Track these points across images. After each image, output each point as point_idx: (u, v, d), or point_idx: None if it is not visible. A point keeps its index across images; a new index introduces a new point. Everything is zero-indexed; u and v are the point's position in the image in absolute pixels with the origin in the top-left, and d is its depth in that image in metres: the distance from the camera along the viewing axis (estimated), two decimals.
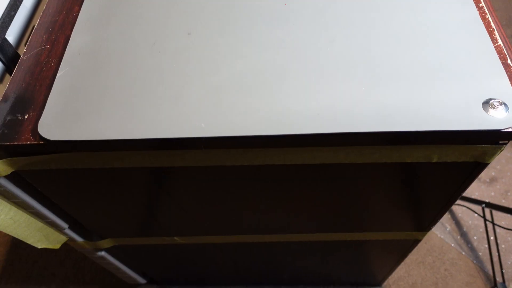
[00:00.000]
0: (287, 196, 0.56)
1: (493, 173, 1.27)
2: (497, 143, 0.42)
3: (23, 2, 0.56)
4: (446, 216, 1.21)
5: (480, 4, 0.49)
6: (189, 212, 0.62)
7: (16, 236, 0.57)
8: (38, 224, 0.61)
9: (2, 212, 0.53)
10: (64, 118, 0.43)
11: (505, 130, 0.40)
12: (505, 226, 1.15)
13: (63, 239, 0.68)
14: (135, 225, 0.68)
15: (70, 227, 0.66)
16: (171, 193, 0.56)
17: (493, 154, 0.44)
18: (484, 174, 1.28)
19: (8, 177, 0.49)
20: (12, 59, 0.53)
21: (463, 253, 1.15)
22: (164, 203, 0.59)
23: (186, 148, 0.44)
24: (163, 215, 0.64)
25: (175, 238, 0.73)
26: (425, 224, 0.66)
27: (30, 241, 0.61)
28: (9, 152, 0.45)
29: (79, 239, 0.70)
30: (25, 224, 0.58)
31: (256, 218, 0.64)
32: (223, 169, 0.48)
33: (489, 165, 1.29)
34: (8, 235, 1.23)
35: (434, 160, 0.45)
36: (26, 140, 0.43)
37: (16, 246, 1.21)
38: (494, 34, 0.47)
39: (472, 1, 0.49)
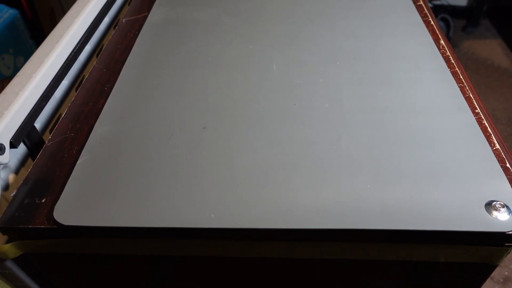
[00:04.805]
0: None
1: (506, 273, 1.23)
2: (503, 245, 0.43)
3: (55, 93, 0.61)
4: None
5: (476, 110, 0.53)
6: None
7: None
8: None
9: None
10: (79, 204, 0.45)
11: (510, 232, 0.40)
12: None
13: None
14: None
15: None
16: (177, 282, 0.55)
17: (500, 256, 0.44)
18: (497, 274, 1.23)
19: (15, 259, 0.49)
20: (36, 145, 0.57)
21: None
22: None
23: (195, 237, 0.44)
24: None
25: None
26: None
27: None
28: (21, 235, 0.46)
29: None
30: None
31: None
32: (229, 260, 0.48)
33: (502, 264, 1.25)
34: None
35: (442, 260, 0.45)
36: (40, 223, 0.44)
37: None
38: (492, 138, 0.49)
39: (468, 108, 0.52)
